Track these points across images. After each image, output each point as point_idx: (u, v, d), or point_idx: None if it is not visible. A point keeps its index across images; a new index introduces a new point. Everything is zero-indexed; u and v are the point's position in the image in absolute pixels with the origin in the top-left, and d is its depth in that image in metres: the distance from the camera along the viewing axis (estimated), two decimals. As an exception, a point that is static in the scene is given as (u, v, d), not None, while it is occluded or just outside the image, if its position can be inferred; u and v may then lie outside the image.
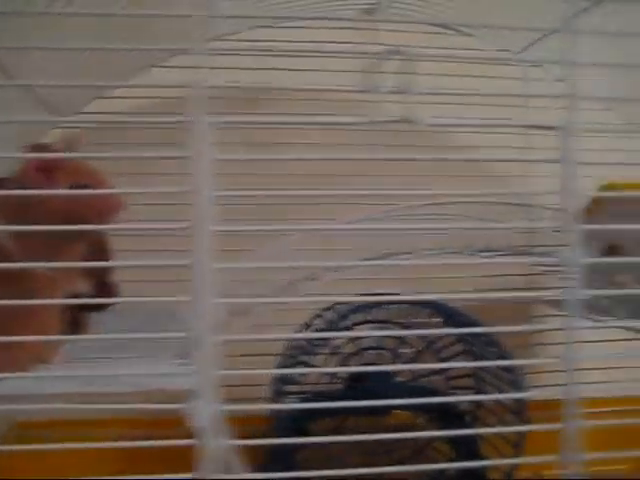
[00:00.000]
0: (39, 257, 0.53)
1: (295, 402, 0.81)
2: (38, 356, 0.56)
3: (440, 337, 0.86)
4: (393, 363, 0.85)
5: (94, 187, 0.60)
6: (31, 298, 0.52)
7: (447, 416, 0.81)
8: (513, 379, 0.80)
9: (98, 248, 0.73)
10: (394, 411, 0.84)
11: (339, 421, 0.88)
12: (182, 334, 0.45)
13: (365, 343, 0.85)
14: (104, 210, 0.58)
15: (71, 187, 0.58)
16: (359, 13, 0.97)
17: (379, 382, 0.80)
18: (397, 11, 0.96)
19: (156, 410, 0.44)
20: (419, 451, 0.93)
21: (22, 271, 0.53)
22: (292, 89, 1.00)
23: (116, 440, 0.48)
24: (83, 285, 0.64)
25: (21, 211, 0.54)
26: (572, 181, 0.45)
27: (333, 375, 0.86)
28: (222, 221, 0.43)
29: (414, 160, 0.47)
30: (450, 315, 0.80)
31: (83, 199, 0.57)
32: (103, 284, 0.59)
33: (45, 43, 0.51)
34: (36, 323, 0.55)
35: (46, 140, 0.63)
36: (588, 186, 0.62)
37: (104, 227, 0.58)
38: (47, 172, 0.56)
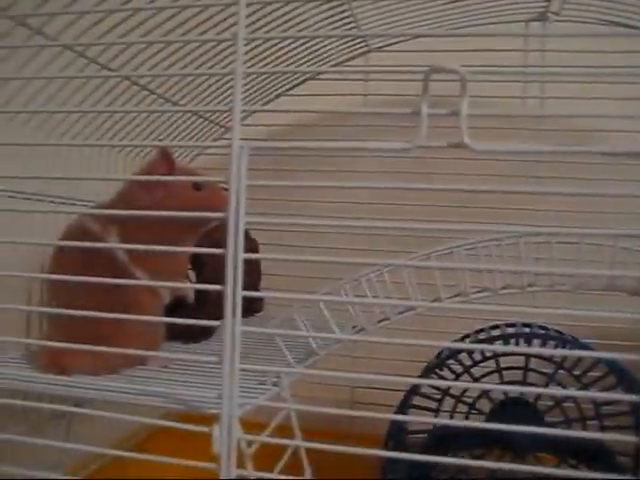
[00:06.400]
0: (153, 268, 0.63)
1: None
2: (135, 360, 0.65)
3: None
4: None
5: (207, 186, 0.69)
6: (135, 306, 0.60)
7: (600, 465, 0.73)
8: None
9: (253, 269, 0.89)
10: (538, 453, 0.77)
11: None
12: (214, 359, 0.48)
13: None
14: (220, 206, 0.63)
15: (194, 187, 0.69)
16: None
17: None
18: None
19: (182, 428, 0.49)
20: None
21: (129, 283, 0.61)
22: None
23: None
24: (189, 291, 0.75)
25: (140, 225, 0.61)
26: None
27: (471, 405, 0.80)
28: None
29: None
30: (623, 375, 0.73)
31: (203, 198, 0.67)
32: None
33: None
34: (137, 330, 0.63)
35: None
36: None
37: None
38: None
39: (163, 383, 0.59)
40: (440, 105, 0.43)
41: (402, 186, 0.47)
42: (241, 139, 0.46)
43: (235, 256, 0.46)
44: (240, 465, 0.48)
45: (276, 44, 0.91)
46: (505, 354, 0.79)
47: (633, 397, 0.46)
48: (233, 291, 0.46)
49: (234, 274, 0.46)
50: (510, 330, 0.80)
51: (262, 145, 0.48)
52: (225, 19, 0.77)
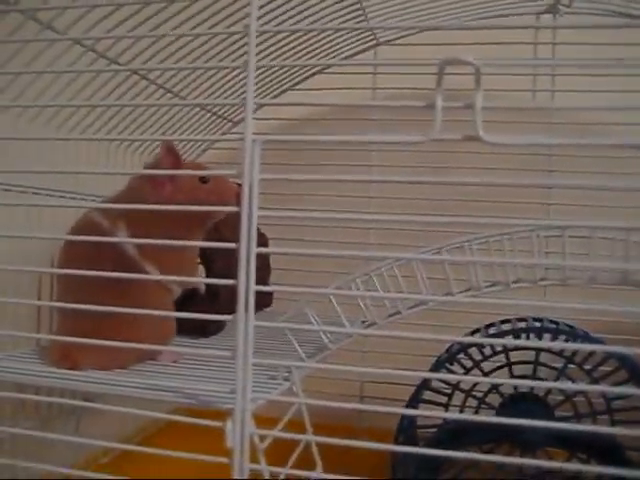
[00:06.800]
0: (163, 262, 0.64)
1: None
2: (145, 354, 0.65)
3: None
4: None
5: (214, 179, 0.69)
6: (145, 301, 0.57)
7: (610, 460, 0.72)
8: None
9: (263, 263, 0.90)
10: (548, 448, 0.78)
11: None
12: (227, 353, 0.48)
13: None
14: (228, 198, 0.66)
15: (200, 180, 0.68)
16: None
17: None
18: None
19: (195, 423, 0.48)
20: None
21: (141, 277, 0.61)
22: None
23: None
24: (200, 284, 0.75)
25: (148, 220, 0.61)
26: None
27: (481, 400, 0.81)
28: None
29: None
30: (635, 370, 0.74)
31: (210, 190, 0.67)
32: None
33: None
34: (148, 325, 0.63)
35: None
36: None
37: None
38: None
39: (174, 378, 0.59)
40: (450, 99, 0.42)
41: (409, 180, 0.47)
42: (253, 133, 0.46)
43: (248, 250, 0.46)
44: (253, 460, 0.48)
45: (285, 37, 0.90)
46: (515, 348, 0.78)
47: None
48: (246, 285, 0.46)
49: (247, 268, 0.46)
50: (520, 324, 0.79)
51: (275, 138, 0.48)
52: (234, 13, 0.77)
